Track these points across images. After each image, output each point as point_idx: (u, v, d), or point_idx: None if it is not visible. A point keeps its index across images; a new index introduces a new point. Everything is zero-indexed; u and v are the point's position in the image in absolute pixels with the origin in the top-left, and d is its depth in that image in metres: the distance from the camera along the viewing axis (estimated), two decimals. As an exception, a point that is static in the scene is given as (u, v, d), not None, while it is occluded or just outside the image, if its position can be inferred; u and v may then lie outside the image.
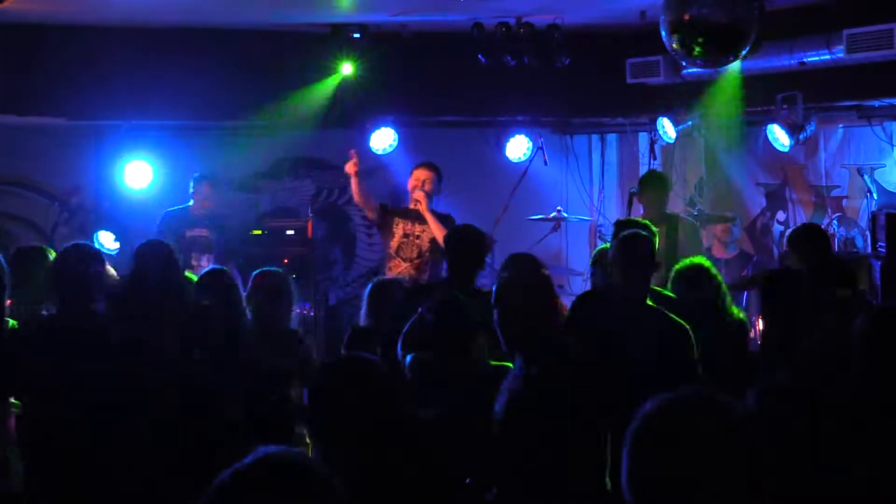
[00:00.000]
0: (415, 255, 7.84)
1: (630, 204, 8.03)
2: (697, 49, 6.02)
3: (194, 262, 8.02)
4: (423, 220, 7.82)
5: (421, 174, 7.90)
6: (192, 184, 8.53)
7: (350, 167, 7.93)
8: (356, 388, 3.21)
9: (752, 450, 2.02)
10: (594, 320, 4.95)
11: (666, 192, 7.85)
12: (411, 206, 7.85)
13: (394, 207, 8.17)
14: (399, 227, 7.90)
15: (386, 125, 9.19)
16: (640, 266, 4.95)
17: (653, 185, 7.75)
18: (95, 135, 9.02)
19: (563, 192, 10.59)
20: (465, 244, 5.90)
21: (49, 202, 9.12)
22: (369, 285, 6.06)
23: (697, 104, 8.55)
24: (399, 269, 7.82)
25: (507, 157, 9.73)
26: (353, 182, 7.97)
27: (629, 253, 4.97)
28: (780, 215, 9.26)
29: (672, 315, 4.85)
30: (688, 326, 4.79)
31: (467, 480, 3.96)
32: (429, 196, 7.83)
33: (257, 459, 1.94)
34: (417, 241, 7.86)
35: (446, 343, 4.58)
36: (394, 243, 7.92)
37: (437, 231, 7.68)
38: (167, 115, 8.64)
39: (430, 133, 9.81)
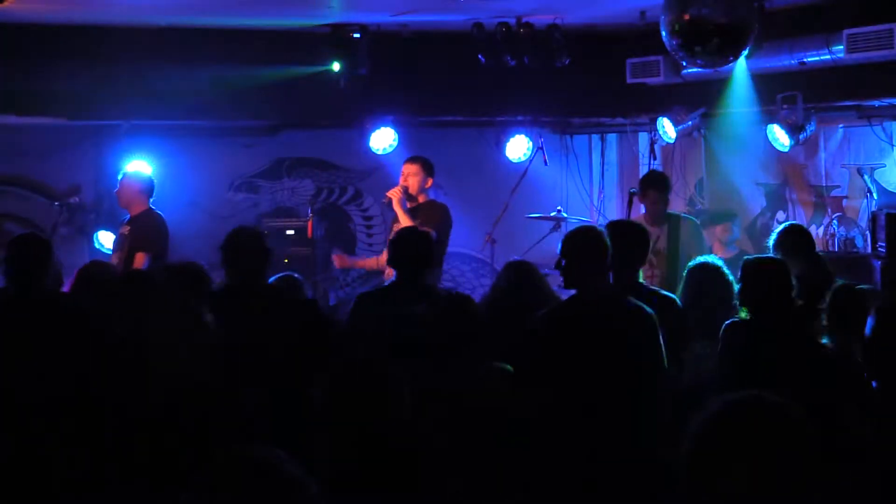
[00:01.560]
0: None
1: (630, 204, 8.02)
2: (697, 49, 6.02)
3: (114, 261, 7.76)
4: (413, 214, 7.81)
5: (404, 169, 7.92)
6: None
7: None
8: (371, 389, 3.23)
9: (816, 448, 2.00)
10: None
11: (667, 192, 7.84)
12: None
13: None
14: (394, 230, 7.88)
15: (386, 125, 9.19)
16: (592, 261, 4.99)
17: (654, 185, 7.74)
18: (95, 135, 9.02)
19: (563, 192, 10.58)
20: (406, 244, 5.80)
21: (49, 202, 9.12)
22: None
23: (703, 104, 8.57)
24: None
25: (507, 157, 9.73)
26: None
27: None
28: (780, 215, 9.25)
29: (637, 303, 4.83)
30: (651, 313, 4.76)
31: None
32: (410, 191, 7.81)
33: (226, 460, 1.94)
34: None
35: None
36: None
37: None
38: (167, 115, 8.64)
39: (430, 133, 9.80)
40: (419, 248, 5.69)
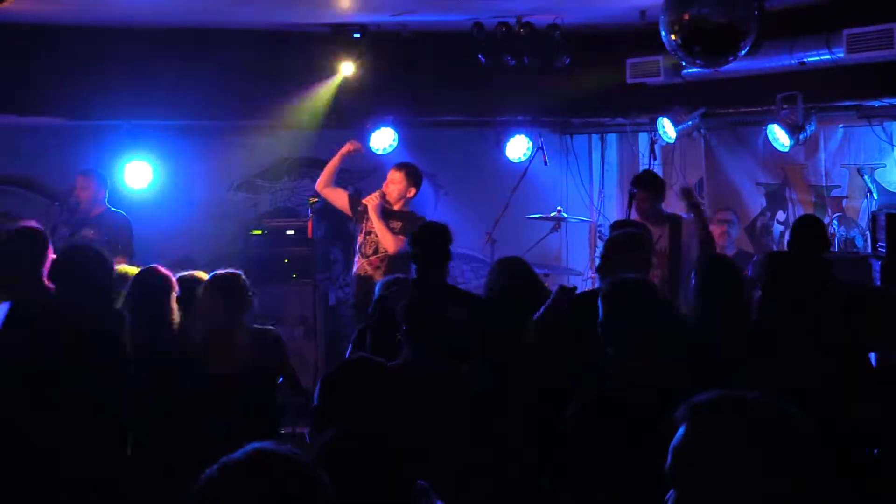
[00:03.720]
0: (370, 252, 7.86)
1: (630, 204, 8.02)
2: (697, 49, 6.02)
3: None
4: (391, 218, 7.82)
5: (389, 174, 7.98)
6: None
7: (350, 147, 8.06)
8: (366, 389, 3.23)
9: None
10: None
11: (663, 191, 7.86)
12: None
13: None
14: (366, 224, 7.93)
15: (386, 125, 9.19)
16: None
17: (650, 185, 7.76)
18: (95, 135, 9.02)
19: (563, 192, 10.58)
20: (431, 238, 5.80)
21: (49, 202, 9.11)
22: (380, 282, 6.06)
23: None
24: (358, 264, 7.88)
25: (507, 157, 9.73)
26: (337, 160, 8.10)
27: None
28: (780, 215, 9.25)
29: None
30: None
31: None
32: (389, 198, 7.83)
33: (246, 454, 1.94)
34: (375, 239, 7.87)
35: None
36: (360, 239, 8.00)
37: (382, 234, 7.74)
38: (167, 115, 8.64)
39: (430, 133, 9.81)
40: (443, 245, 5.69)
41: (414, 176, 7.95)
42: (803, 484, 1.96)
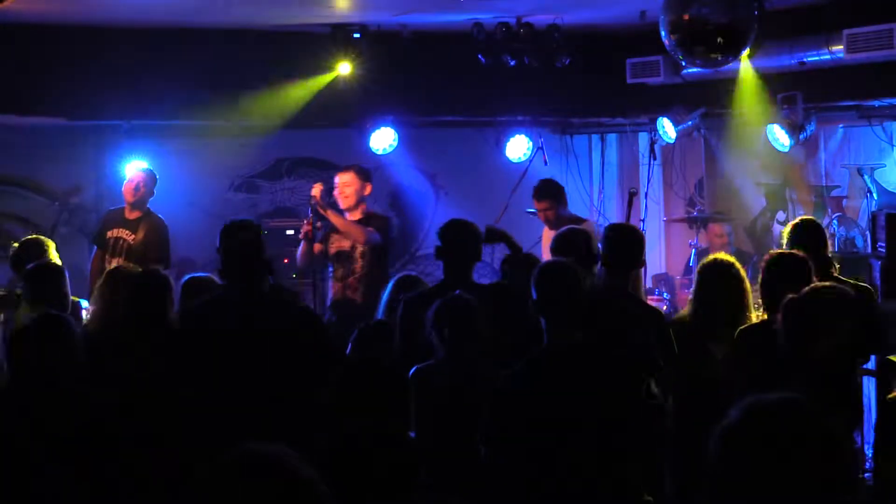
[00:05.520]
0: (343, 275, 7.46)
1: (630, 204, 8.03)
2: (697, 49, 6.03)
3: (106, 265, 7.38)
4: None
5: (339, 180, 7.49)
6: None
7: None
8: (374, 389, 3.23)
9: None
10: None
11: (563, 196, 7.79)
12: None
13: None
14: (330, 245, 7.58)
15: (386, 125, 9.19)
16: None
17: (549, 193, 7.72)
18: (95, 135, 9.02)
19: (563, 193, 10.58)
20: (462, 237, 5.63)
21: (49, 202, 9.12)
22: (392, 279, 5.96)
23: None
24: (334, 289, 7.50)
25: (507, 157, 9.73)
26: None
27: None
28: (780, 215, 9.26)
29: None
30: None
31: None
32: (345, 205, 7.42)
33: (238, 454, 1.95)
34: (343, 256, 7.47)
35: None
36: (330, 263, 7.60)
37: (346, 228, 7.33)
38: (167, 115, 8.64)
39: (430, 133, 9.81)
40: (470, 242, 5.40)
41: (363, 172, 7.52)
42: (837, 484, 1.98)
